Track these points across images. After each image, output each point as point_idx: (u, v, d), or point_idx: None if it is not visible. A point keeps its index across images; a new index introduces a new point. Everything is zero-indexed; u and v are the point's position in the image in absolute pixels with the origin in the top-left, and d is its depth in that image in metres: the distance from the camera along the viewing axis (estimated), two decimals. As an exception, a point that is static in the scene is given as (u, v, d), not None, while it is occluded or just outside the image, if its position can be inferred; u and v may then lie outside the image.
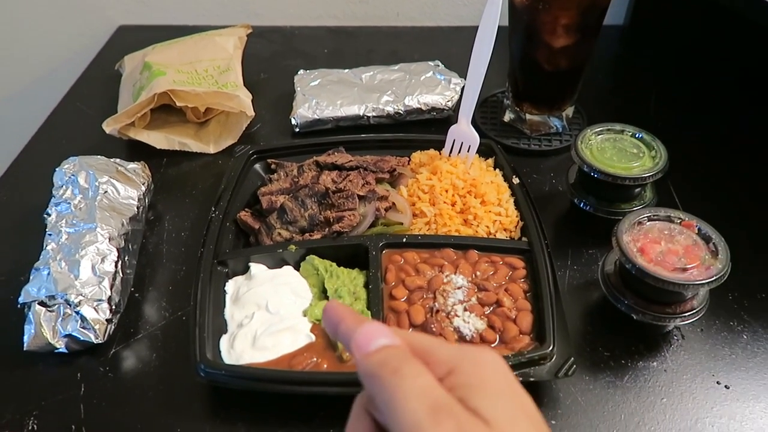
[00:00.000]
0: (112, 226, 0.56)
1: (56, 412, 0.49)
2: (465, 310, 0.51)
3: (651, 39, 0.93)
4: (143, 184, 0.63)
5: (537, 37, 0.66)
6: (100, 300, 0.51)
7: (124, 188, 0.60)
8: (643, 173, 0.57)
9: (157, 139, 0.74)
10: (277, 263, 0.57)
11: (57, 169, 0.62)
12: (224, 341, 0.51)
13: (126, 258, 0.56)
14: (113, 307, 0.52)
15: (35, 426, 0.48)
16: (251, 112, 0.73)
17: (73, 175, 0.60)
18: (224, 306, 0.54)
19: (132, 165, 0.64)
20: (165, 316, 0.56)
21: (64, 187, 0.59)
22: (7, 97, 1.07)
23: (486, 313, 0.51)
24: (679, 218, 0.51)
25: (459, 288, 0.53)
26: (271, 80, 0.88)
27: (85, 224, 0.55)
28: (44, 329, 0.50)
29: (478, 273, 0.55)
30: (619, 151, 0.59)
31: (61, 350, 0.50)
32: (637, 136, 0.60)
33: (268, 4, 1.01)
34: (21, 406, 0.49)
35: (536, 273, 0.53)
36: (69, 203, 0.58)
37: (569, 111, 0.74)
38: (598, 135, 0.61)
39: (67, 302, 0.50)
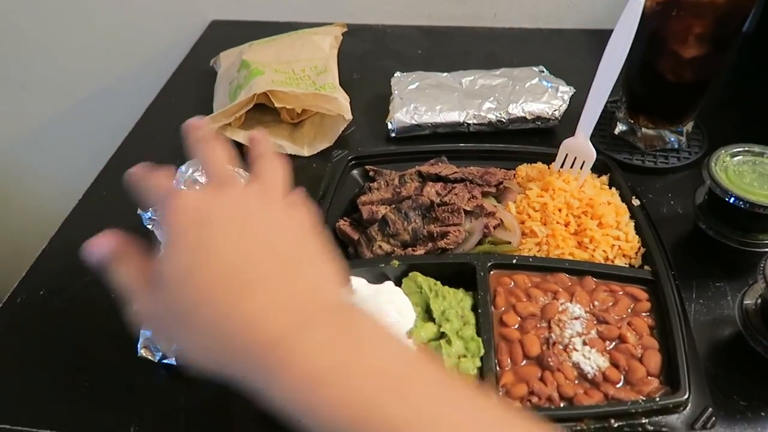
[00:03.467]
0: None
1: (158, 421, 0.48)
2: (584, 344, 0.47)
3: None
4: None
5: (664, 45, 0.61)
6: None
7: None
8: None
9: None
10: (377, 278, 0.55)
11: (182, 167, 0.61)
12: (326, 359, 0.49)
13: None
14: None
15: (136, 433, 0.47)
16: (349, 116, 0.71)
17: (198, 179, 0.59)
18: (324, 321, 0.52)
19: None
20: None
21: (187, 189, 0.59)
22: (103, 93, 1.09)
23: (608, 348, 0.47)
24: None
25: (576, 318, 0.49)
26: (364, 81, 0.86)
27: None
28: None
29: (596, 303, 0.50)
30: (760, 176, 0.54)
31: (170, 362, 0.49)
32: (779, 160, 0.55)
33: (360, 1, 0.98)
34: (123, 412, 0.49)
35: (663, 307, 0.49)
36: None
37: (688, 126, 0.69)
38: (735, 156, 0.56)
39: None
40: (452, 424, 0.28)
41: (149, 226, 0.60)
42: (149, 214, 0.59)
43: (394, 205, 0.58)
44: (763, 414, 0.46)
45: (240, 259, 0.31)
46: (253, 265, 0.31)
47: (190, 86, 0.88)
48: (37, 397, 0.51)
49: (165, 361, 0.50)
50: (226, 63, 0.82)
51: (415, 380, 0.29)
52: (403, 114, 0.74)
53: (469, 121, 0.73)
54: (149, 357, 0.50)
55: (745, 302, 0.49)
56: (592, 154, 0.60)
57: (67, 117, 1.15)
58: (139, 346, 0.50)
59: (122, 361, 0.52)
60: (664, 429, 0.42)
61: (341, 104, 0.71)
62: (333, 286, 0.34)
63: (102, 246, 0.34)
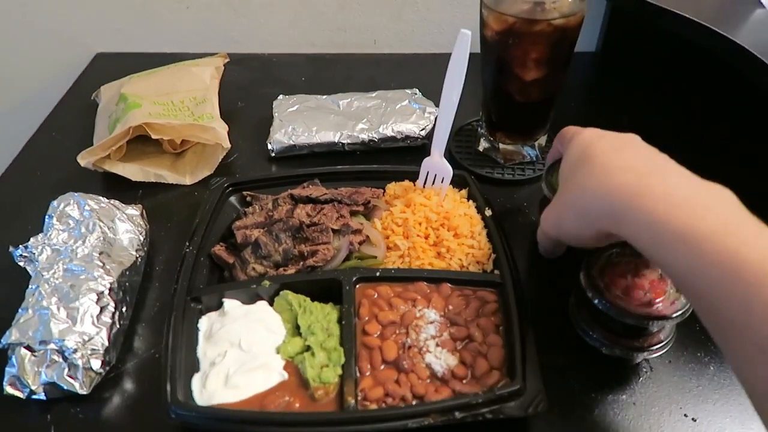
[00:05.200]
0: (112, 276, 0.55)
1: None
2: (437, 345, 0.52)
3: (623, 66, 0.95)
4: (141, 234, 0.63)
5: (508, 69, 0.67)
6: (95, 350, 0.50)
7: (125, 236, 0.61)
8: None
9: (133, 171, 0.74)
10: (252, 298, 0.57)
11: (53, 202, 0.61)
12: (196, 380, 0.51)
13: (123, 309, 0.55)
14: (107, 359, 0.51)
15: (3, 471, 0.47)
16: (227, 144, 0.74)
17: (70, 214, 0.60)
18: (197, 344, 0.54)
19: (131, 210, 0.64)
20: (138, 354, 0.56)
21: (59, 224, 0.59)
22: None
23: (458, 348, 0.52)
24: (645, 253, 0.52)
25: (431, 323, 0.53)
26: (249, 108, 0.89)
27: (82, 269, 0.55)
28: (27, 374, 0.49)
29: (450, 307, 0.55)
30: None
31: (38, 397, 0.50)
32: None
33: (245, 31, 1.01)
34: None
35: (507, 306, 0.54)
36: (66, 244, 0.57)
37: (542, 140, 0.76)
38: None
39: (60, 350, 0.49)
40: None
41: (21, 263, 0.60)
42: (19, 251, 0.60)
43: (266, 228, 0.61)
44: (593, 395, 0.51)
45: (618, 143, 0.47)
46: (630, 143, 0.47)
47: (73, 120, 0.87)
48: None
49: (34, 396, 0.50)
50: (107, 96, 0.83)
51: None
52: (281, 135, 0.77)
53: (344, 141, 0.77)
54: (16, 393, 0.50)
55: (575, 298, 0.55)
56: (448, 170, 0.65)
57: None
58: (5, 383, 0.50)
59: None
60: (502, 416, 0.46)
61: (219, 133, 0.73)
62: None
63: None
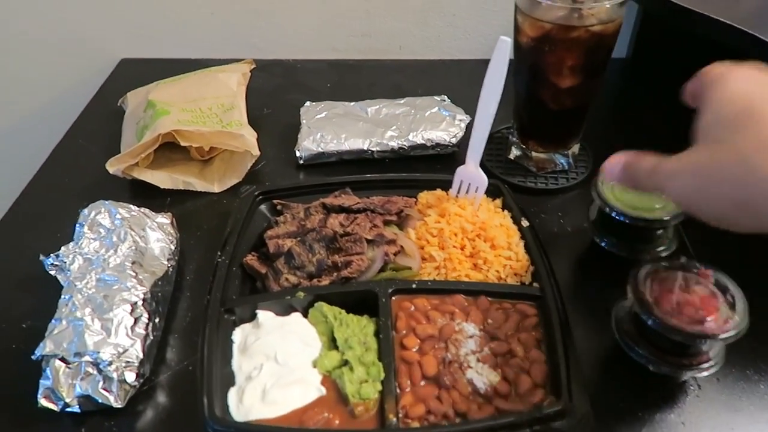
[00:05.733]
0: (145, 286, 0.54)
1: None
2: (478, 360, 0.50)
3: (655, 72, 0.94)
4: (172, 243, 0.62)
5: (542, 77, 0.66)
6: (130, 363, 0.50)
7: (156, 245, 0.60)
8: (665, 215, 0.56)
9: (161, 178, 0.73)
10: (285, 310, 0.56)
11: (83, 210, 0.61)
12: (233, 395, 0.50)
13: (156, 320, 0.55)
14: (141, 372, 0.51)
15: (39, 486, 0.47)
16: (256, 152, 0.73)
17: (101, 222, 0.59)
18: (231, 356, 0.53)
19: (161, 218, 0.64)
20: (171, 366, 0.55)
21: (90, 232, 0.59)
22: (6, 133, 1.06)
23: (499, 363, 0.51)
24: (696, 267, 0.50)
25: (471, 337, 0.52)
26: (274, 115, 0.88)
27: (115, 279, 0.54)
28: (62, 387, 0.48)
29: (489, 321, 0.54)
30: (641, 192, 0.58)
31: (73, 410, 0.49)
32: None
33: (269, 37, 1.01)
34: (24, 464, 0.48)
35: (548, 321, 0.53)
36: (98, 253, 0.57)
37: (575, 148, 0.74)
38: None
39: (95, 362, 0.49)
40: None
41: (51, 272, 0.60)
42: (50, 260, 0.59)
43: (299, 238, 0.60)
44: (639, 414, 0.50)
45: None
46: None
47: (99, 126, 0.87)
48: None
49: (68, 409, 0.49)
50: (134, 103, 0.82)
51: None
52: (310, 142, 0.76)
53: (373, 149, 0.76)
54: (51, 406, 0.49)
55: (619, 314, 0.53)
56: (484, 180, 0.64)
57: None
58: (39, 395, 0.49)
59: (25, 412, 0.51)
60: (548, 436, 0.45)
61: (248, 141, 0.72)
62: None
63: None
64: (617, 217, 0.58)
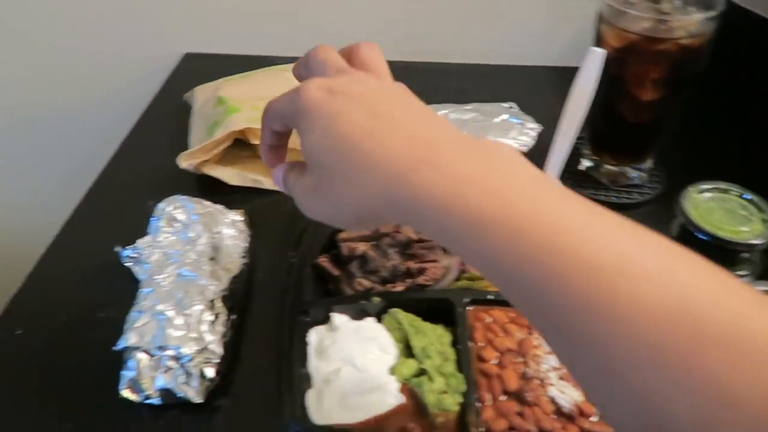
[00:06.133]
0: (223, 283, 0.55)
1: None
2: (560, 378, 0.50)
3: (730, 86, 0.91)
4: (245, 240, 0.62)
5: (623, 88, 0.65)
6: (210, 359, 0.50)
7: (230, 242, 0.60)
8: (753, 239, 0.55)
9: (230, 175, 0.74)
10: (359, 314, 0.56)
11: (159, 204, 0.62)
12: (311, 397, 0.50)
13: (233, 317, 0.55)
14: (220, 368, 0.51)
15: (120, 477, 0.47)
16: None
17: (177, 217, 0.60)
18: (307, 358, 0.53)
19: (234, 215, 0.64)
20: (245, 364, 0.55)
21: (167, 226, 0.59)
22: (73, 125, 1.08)
23: (581, 381, 0.50)
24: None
25: (550, 353, 0.51)
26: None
27: (194, 276, 0.54)
28: (144, 379, 0.49)
29: (569, 336, 0.53)
30: (727, 212, 0.57)
31: (153, 402, 0.50)
32: (744, 196, 0.59)
33: (333, 36, 1.00)
34: (106, 454, 0.49)
35: (631, 340, 0.51)
36: (175, 248, 0.57)
37: (649, 163, 0.73)
38: (703, 193, 0.59)
39: (177, 356, 0.49)
40: (582, 223, 0.28)
41: (127, 264, 0.60)
42: (128, 252, 0.60)
43: (373, 242, 0.60)
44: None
45: (371, 113, 0.33)
46: (386, 112, 0.33)
47: (165, 120, 0.88)
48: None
49: (149, 401, 0.50)
50: (202, 98, 0.83)
51: (544, 189, 0.29)
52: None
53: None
54: (132, 397, 0.50)
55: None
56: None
57: (39, 149, 1.14)
58: (121, 386, 0.50)
59: (104, 402, 0.51)
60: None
61: None
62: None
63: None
64: (701, 237, 0.56)
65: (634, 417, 0.25)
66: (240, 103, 0.76)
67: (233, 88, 0.81)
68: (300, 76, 0.41)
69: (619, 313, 0.25)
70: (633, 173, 0.72)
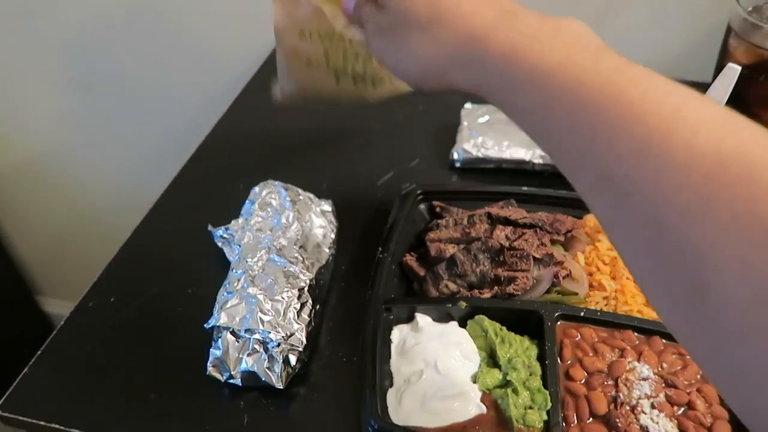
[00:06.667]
0: (311, 273, 0.55)
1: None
2: (653, 407, 0.47)
3: None
4: (332, 231, 0.62)
5: (745, 107, 0.60)
6: (294, 347, 0.50)
7: (319, 232, 0.61)
8: None
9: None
10: (442, 317, 0.55)
11: (255, 188, 0.63)
12: (391, 396, 0.49)
13: (317, 307, 0.55)
14: (302, 356, 0.51)
15: (200, 451, 0.48)
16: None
17: (270, 202, 0.61)
18: (389, 355, 0.52)
19: (325, 205, 0.64)
20: (325, 355, 0.55)
21: (260, 211, 0.60)
22: (170, 101, 1.13)
23: (676, 414, 0.47)
24: None
25: (645, 379, 0.49)
26: (429, 113, 0.87)
27: (285, 262, 0.55)
28: (230, 359, 0.50)
29: (664, 365, 0.50)
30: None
31: (235, 382, 0.50)
32: None
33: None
34: (189, 428, 0.50)
35: (734, 377, 0.48)
36: (267, 233, 0.58)
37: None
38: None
39: (264, 341, 0.50)
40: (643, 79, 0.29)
41: (219, 244, 0.62)
42: (220, 232, 0.61)
43: (463, 246, 0.59)
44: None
45: None
46: None
47: (257, 106, 0.89)
48: (100, 404, 0.52)
49: (231, 381, 0.51)
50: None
51: (608, 52, 0.32)
52: (470, 146, 0.74)
53: (535, 161, 0.73)
54: (217, 376, 0.51)
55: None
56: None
57: (131, 122, 1.19)
58: (208, 364, 0.51)
59: (188, 377, 0.53)
60: (734, 505, 0.41)
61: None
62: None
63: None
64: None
65: (681, 270, 0.25)
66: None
67: None
68: None
69: (671, 157, 0.26)
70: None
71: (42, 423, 0.51)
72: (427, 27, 0.37)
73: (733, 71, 0.50)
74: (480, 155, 0.74)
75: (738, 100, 0.61)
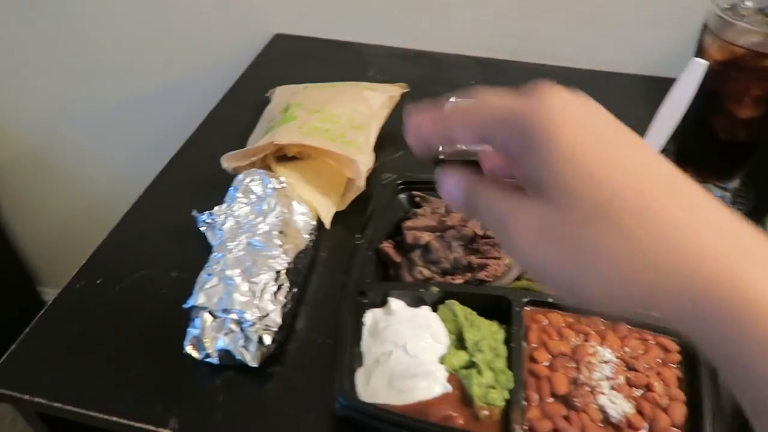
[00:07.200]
0: (289, 257, 0.57)
1: (197, 416, 0.51)
2: (612, 388, 0.48)
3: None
4: (313, 219, 0.64)
5: (719, 104, 0.62)
6: (269, 327, 0.52)
7: (300, 219, 0.63)
8: None
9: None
10: (415, 301, 0.57)
11: (239, 176, 0.64)
12: (360, 375, 0.51)
13: (294, 290, 0.57)
14: (278, 337, 0.53)
15: (176, 425, 0.50)
16: (361, 183, 0.67)
17: (253, 189, 0.62)
18: (361, 337, 0.54)
19: None
20: (300, 337, 0.57)
21: (243, 197, 0.62)
22: (166, 92, 1.15)
23: (634, 395, 0.48)
24: None
25: (606, 362, 0.50)
26: (415, 105, 0.88)
27: (263, 246, 0.57)
28: (207, 338, 0.52)
29: (627, 349, 0.52)
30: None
31: (211, 361, 0.52)
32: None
33: (422, 28, 1.01)
34: (165, 404, 0.52)
35: (693, 361, 0.50)
36: (248, 218, 0.60)
37: (736, 183, 0.69)
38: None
39: (240, 320, 0.52)
40: None
41: (202, 229, 0.64)
42: (204, 217, 0.63)
43: (438, 233, 0.60)
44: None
45: (646, 160, 0.26)
46: (657, 168, 0.25)
47: (249, 97, 0.91)
48: (86, 380, 0.54)
49: (208, 359, 0.53)
50: (277, 100, 0.81)
51: None
52: (453, 140, 0.76)
53: (517, 156, 0.74)
54: (195, 354, 0.53)
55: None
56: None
57: (131, 111, 1.21)
58: (186, 342, 0.53)
59: (168, 355, 0.55)
60: (683, 482, 0.42)
61: (357, 169, 0.67)
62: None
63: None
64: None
65: None
66: (300, 109, 0.73)
67: (308, 95, 0.78)
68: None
69: None
70: (717, 192, 0.69)
71: (26, 397, 0.53)
72: (622, 226, 0.24)
73: (698, 66, 0.51)
74: (464, 147, 0.75)
75: (712, 96, 0.62)
